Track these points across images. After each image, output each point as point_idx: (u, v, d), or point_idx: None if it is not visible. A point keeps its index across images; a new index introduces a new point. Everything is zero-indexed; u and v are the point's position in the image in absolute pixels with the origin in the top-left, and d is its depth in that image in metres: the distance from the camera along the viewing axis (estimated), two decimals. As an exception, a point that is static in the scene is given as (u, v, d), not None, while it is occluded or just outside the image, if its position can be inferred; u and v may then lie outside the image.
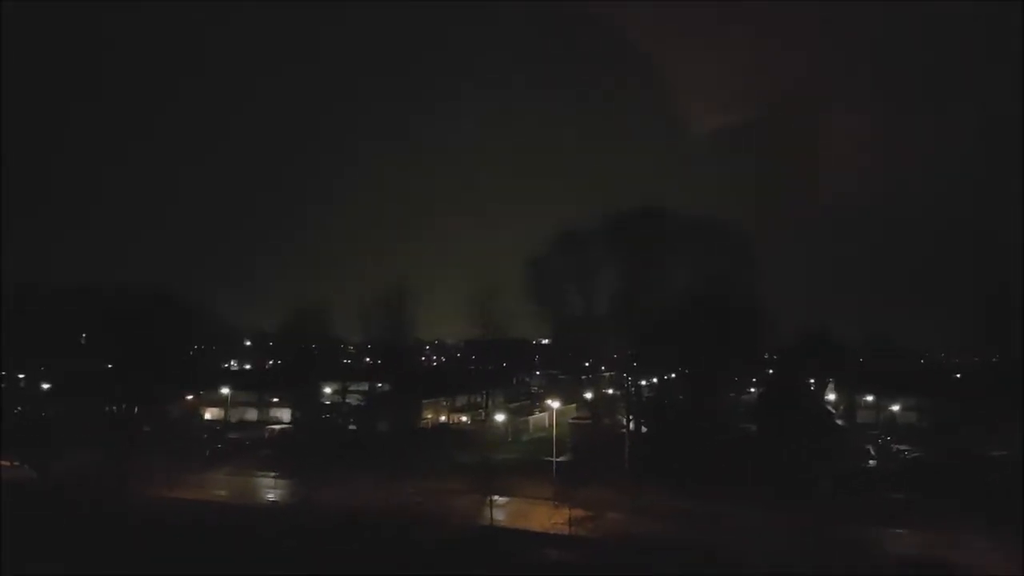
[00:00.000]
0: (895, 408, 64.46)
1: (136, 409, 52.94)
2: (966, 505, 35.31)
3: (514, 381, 65.14)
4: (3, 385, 62.56)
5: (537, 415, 62.27)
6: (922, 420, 61.00)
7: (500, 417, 55.73)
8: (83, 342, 63.55)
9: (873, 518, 35.37)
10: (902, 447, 53.74)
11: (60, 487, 43.04)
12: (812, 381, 58.32)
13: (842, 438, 52.66)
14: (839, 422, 58.74)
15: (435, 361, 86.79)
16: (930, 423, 57.15)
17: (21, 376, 64.64)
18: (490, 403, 56.83)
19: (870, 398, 66.17)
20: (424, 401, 58.42)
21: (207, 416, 64.78)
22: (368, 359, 65.28)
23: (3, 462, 46.95)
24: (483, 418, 56.40)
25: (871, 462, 50.79)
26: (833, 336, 58.11)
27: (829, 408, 59.78)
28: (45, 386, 59.43)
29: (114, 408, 52.81)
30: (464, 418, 61.22)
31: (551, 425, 49.95)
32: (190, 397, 60.85)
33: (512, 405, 60.03)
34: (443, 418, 61.49)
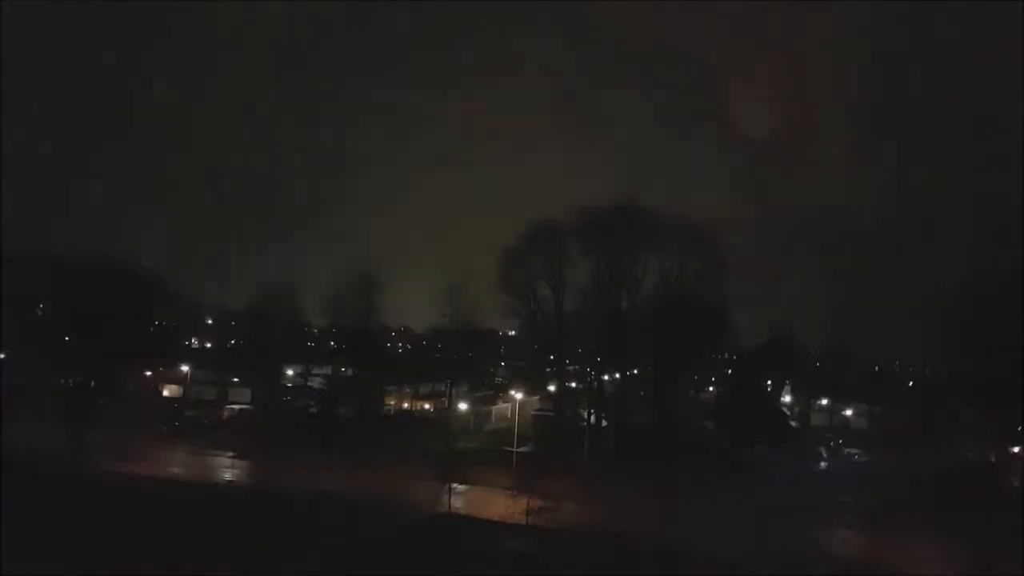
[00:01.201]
0: (848, 413, 66.28)
1: (92, 383, 51.88)
2: (911, 509, 36.59)
3: (478, 371, 65.24)
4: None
5: (500, 405, 62.52)
6: (873, 426, 62.92)
7: (463, 406, 55.86)
8: (39, 312, 61.78)
9: (823, 518, 36.44)
10: (853, 451, 55.34)
11: (11, 460, 42.03)
12: (770, 383, 59.72)
13: (796, 439, 54.07)
14: (793, 424, 60.22)
15: (400, 348, 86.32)
16: (880, 429, 58.98)
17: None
18: (454, 392, 56.88)
19: (825, 402, 67.91)
20: (387, 388, 58.24)
21: (165, 393, 63.69)
22: (333, 343, 64.80)
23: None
24: (446, 406, 56.47)
25: (823, 464, 52.23)
26: (794, 340, 59.57)
27: (784, 410, 61.23)
28: (-1, 356, 57.80)
29: (70, 381, 51.68)
30: (427, 406, 61.21)
31: (513, 416, 50.24)
32: (148, 373, 59.75)
33: (476, 395, 60.17)
34: (406, 405, 61.39)
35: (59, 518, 32.17)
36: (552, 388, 54.15)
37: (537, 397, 56.86)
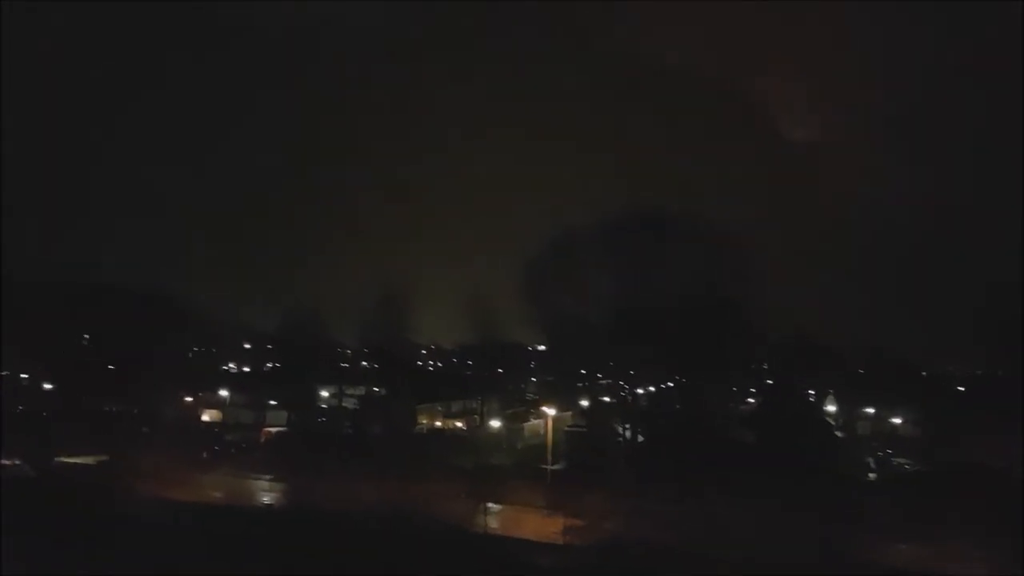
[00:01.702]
0: (896, 420, 63.99)
1: (135, 410, 53.26)
2: (966, 518, 34.99)
3: (509, 387, 65.03)
4: (6, 385, 63.02)
5: (532, 422, 62.08)
6: (923, 433, 60.55)
7: (495, 423, 55.65)
8: (85, 342, 63.82)
9: (872, 530, 35.11)
10: (902, 460, 53.40)
11: (58, 486, 43.26)
12: (812, 392, 58.11)
13: (842, 450, 52.41)
14: (838, 434, 58.43)
15: (431, 366, 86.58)
16: (930, 436, 56.74)
17: (24, 376, 64.98)
18: (485, 409, 56.75)
19: (870, 410, 65.75)
20: (419, 406, 58.41)
21: (205, 418, 64.93)
22: (364, 363, 65.40)
23: (3, 461, 47.25)
24: (478, 424, 56.34)
25: (871, 475, 50.50)
26: (834, 346, 57.93)
27: (829, 419, 59.48)
28: (47, 386, 59.77)
29: (113, 409, 53.13)
30: (459, 423, 61.13)
31: (546, 432, 49.82)
32: (189, 399, 61.03)
33: (507, 411, 59.91)
34: (438, 423, 61.42)
35: (106, 542, 33.03)
36: (585, 403, 53.61)
37: (570, 413, 56.32)
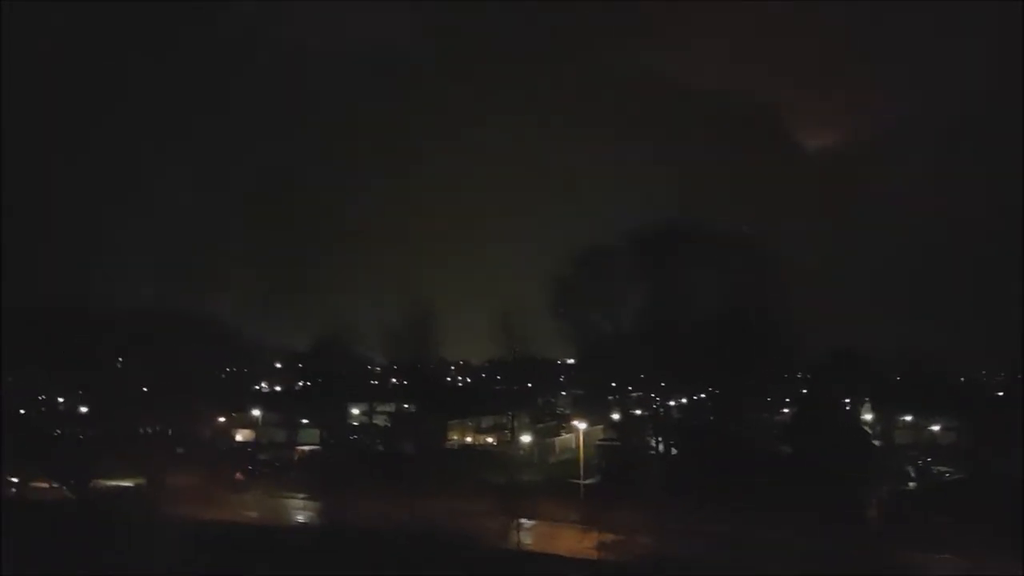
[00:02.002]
0: (935, 428, 62.48)
1: (170, 431, 54.06)
2: (1011, 529, 33.94)
3: (540, 401, 64.82)
4: (44, 408, 64.42)
5: (564, 436, 61.78)
6: (962, 440, 59.03)
7: (526, 438, 55.45)
8: (119, 365, 65.06)
9: (914, 543, 34.25)
10: (943, 468, 52.09)
11: (97, 508, 43.98)
12: (847, 400, 56.98)
13: (880, 459, 51.28)
14: (876, 443, 57.19)
15: (460, 381, 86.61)
16: (970, 443, 55.31)
17: (61, 400, 66.37)
18: (516, 424, 56.61)
19: (909, 417, 64.31)
20: (450, 422, 58.47)
21: (238, 437, 65.64)
22: (394, 380, 65.74)
23: (43, 483, 48.22)
24: (509, 439, 56.20)
25: (911, 484, 49.32)
26: (869, 353, 56.80)
27: (866, 428, 58.25)
28: (83, 409, 60.96)
29: (148, 430, 53.99)
30: (490, 439, 61.02)
31: (578, 446, 49.52)
32: (222, 419, 61.78)
33: (538, 426, 59.69)
34: (469, 439, 61.38)
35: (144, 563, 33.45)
36: (616, 416, 53.13)
37: (601, 427, 55.89)
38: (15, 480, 48.36)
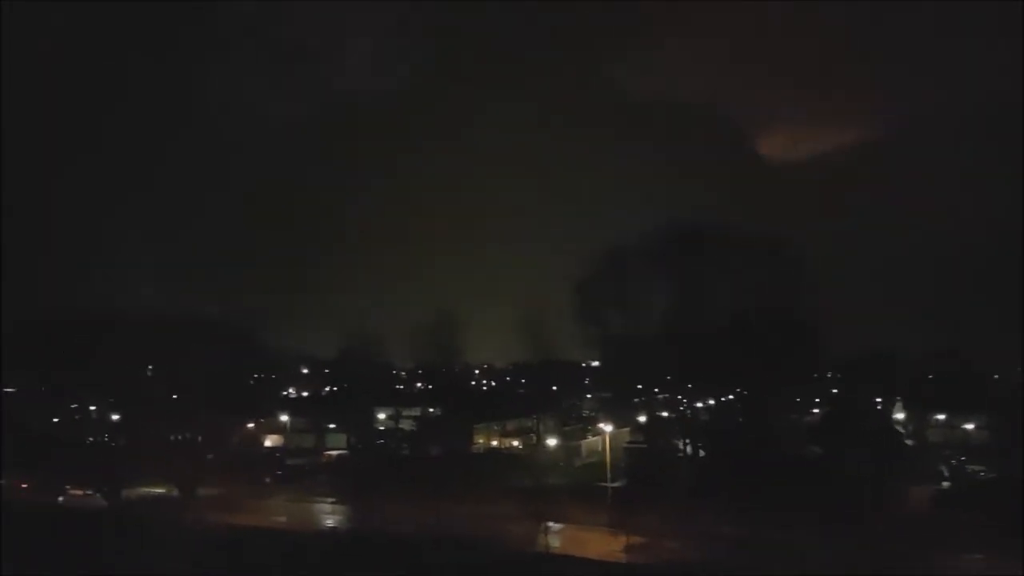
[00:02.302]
0: (968, 427, 61.21)
1: (200, 438, 54.75)
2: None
3: (564, 404, 64.61)
4: (78, 417, 65.61)
5: (590, 439, 61.51)
6: (996, 438, 57.74)
7: (552, 441, 55.32)
8: (150, 373, 66.05)
9: (948, 543, 33.54)
10: (977, 467, 51.01)
11: (129, 515, 44.66)
12: (879, 399, 56.06)
13: (913, 459, 50.37)
14: (909, 442, 56.18)
15: (485, 385, 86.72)
16: (1005, 441, 54.05)
17: (92, 408, 67.53)
18: (541, 427, 56.52)
19: (941, 416, 63.08)
20: (475, 425, 58.54)
21: (267, 443, 66.37)
22: (419, 384, 66.04)
23: (76, 491, 49.08)
24: (534, 442, 56.12)
25: (944, 483, 48.36)
26: (899, 351, 55.92)
27: (898, 427, 57.26)
28: (114, 417, 61.95)
29: (179, 438, 54.72)
30: (515, 442, 60.99)
31: (604, 449, 49.26)
32: (251, 425, 62.49)
33: (564, 429, 59.53)
34: (494, 442, 61.41)
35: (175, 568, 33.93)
36: (642, 419, 52.79)
37: (627, 429, 55.58)
38: (65, 488, 49.31)
